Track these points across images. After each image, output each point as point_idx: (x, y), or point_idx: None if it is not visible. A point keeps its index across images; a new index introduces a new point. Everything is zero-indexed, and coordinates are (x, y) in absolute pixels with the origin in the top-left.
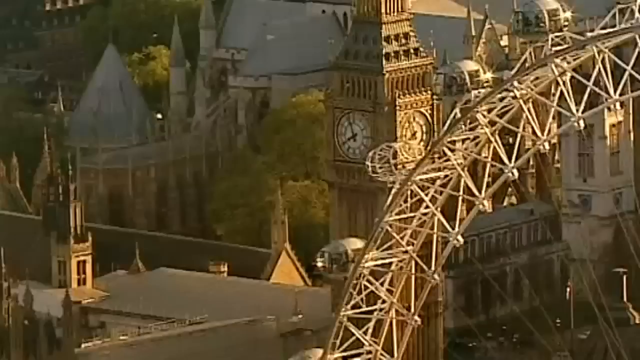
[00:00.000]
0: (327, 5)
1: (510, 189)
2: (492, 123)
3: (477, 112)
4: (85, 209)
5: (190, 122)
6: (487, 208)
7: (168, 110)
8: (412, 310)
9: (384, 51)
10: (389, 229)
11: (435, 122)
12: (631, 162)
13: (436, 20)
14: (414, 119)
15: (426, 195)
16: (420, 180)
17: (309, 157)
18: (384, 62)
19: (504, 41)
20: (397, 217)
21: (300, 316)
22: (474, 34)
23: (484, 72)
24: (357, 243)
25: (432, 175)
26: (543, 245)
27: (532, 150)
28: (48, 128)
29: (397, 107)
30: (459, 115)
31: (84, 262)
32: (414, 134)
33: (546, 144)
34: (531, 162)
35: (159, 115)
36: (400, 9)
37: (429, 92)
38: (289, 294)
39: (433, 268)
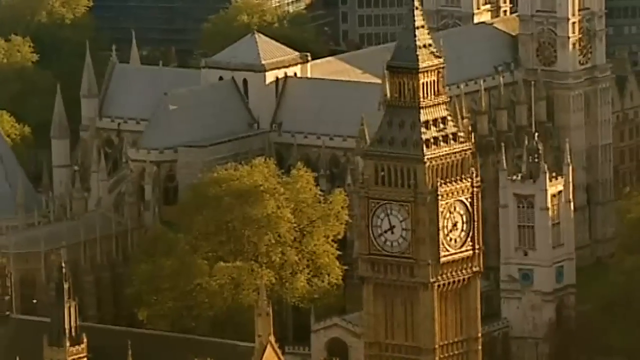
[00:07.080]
0: (224, 72)
1: None
2: None
3: None
4: None
5: (87, 197)
6: None
7: (50, 185)
8: None
9: (423, 137)
10: None
11: (475, 212)
12: (572, 232)
13: (350, 86)
14: (455, 208)
15: None
16: None
17: (236, 236)
18: (424, 148)
19: None
20: None
21: None
22: None
23: None
24: None
25: None
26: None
27: None
28: None
29: (439, 197)
30: None
31: None
32: (455, 225)
33: None
34: None
35: None
36: (437, 92)
37: (469, 179)
38: None
39: None
